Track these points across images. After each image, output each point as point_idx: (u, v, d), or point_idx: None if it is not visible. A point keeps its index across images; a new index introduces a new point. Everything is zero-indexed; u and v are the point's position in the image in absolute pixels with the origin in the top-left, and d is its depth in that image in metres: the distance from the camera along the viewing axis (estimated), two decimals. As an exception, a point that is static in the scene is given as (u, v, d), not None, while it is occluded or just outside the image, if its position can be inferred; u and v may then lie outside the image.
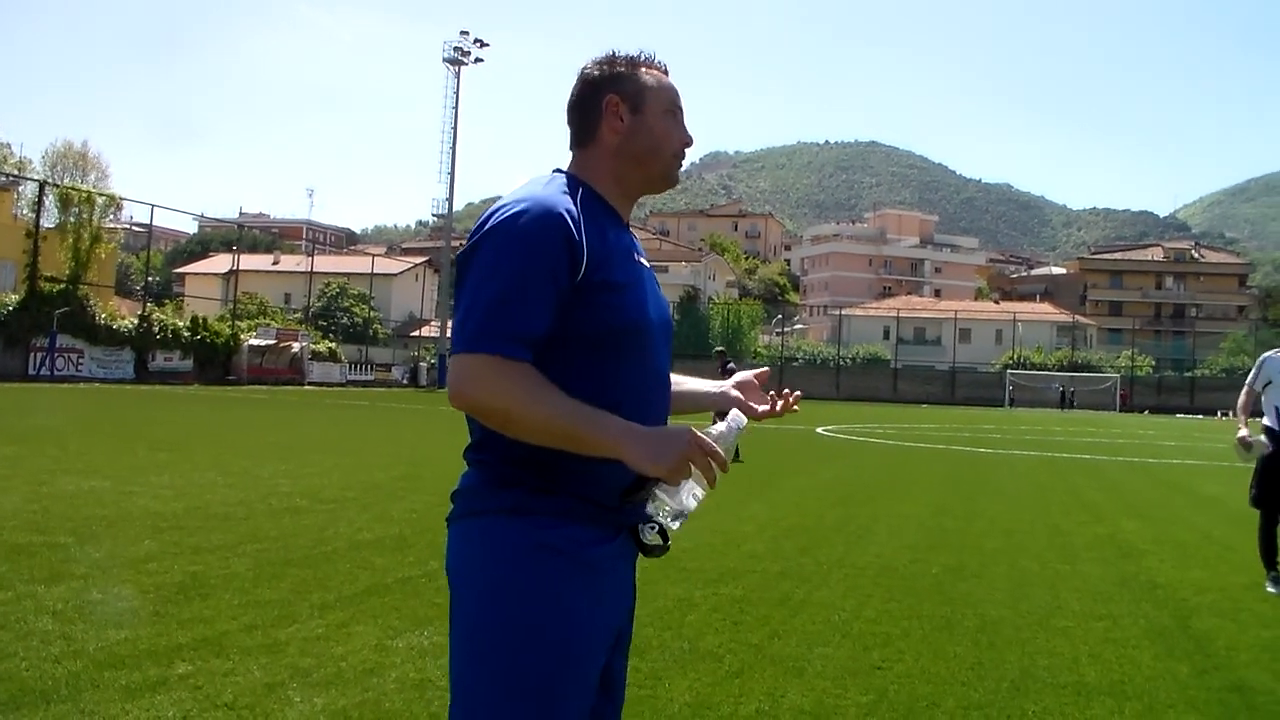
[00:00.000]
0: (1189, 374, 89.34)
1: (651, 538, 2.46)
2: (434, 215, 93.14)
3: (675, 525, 2.42)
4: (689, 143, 2.69)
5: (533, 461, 2.40)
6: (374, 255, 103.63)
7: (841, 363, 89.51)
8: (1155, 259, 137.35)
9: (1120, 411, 76.45)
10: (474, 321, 2.32)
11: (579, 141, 2.64)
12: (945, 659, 6.26)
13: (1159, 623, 7.50)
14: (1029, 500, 15.30)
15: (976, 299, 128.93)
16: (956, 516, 12.88)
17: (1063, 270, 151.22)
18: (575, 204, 2.45)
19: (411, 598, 7.17)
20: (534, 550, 2.37)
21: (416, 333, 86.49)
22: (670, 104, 2.65)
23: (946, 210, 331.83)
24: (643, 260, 2.67)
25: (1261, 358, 7.69)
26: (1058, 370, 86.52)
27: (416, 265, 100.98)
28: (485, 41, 75.11)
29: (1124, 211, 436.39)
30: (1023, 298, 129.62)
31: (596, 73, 2.63)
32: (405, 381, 71.97)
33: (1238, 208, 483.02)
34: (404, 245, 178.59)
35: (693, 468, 2.29)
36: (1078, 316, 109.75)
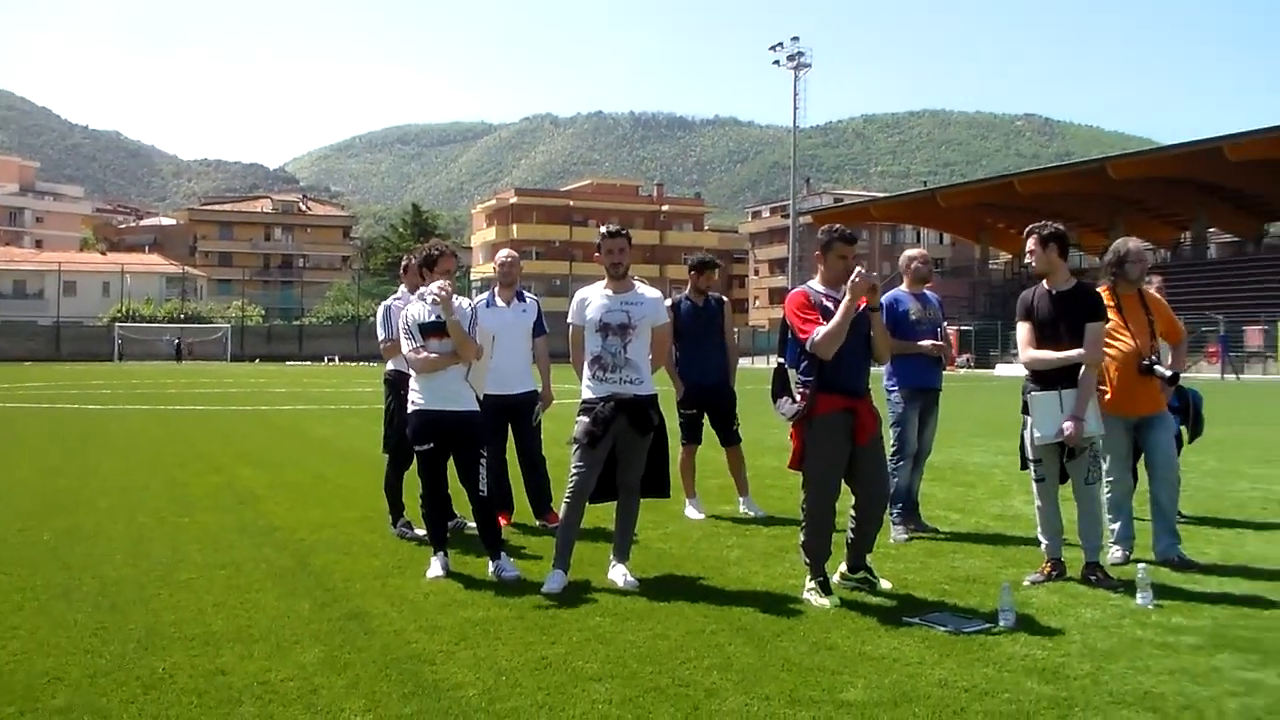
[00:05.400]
0: (298, 322, 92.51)
1: None
2: None
3: None
4: None
5: None
6: None
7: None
8: (265, 211, 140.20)
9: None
10: None
11: None
12: (66, 628, 5.91)
13: (280, 564, 7.67)
14: (144, 455, 14.96)
15: (82, 250, 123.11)
16: (69, 477, 12.27)
17: (173, 221, 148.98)
18: None
19: None
20: None
21: None
22: None
23: (50, 157, 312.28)
24: None
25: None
26: (169, 322, 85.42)
27: None
28: None
29: (235, 164, 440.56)
30: (131, 249, 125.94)
31: None
32: None
33: (344, 163, 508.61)
34: None
35: None
36: (188, 268, 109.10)
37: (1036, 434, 7.13)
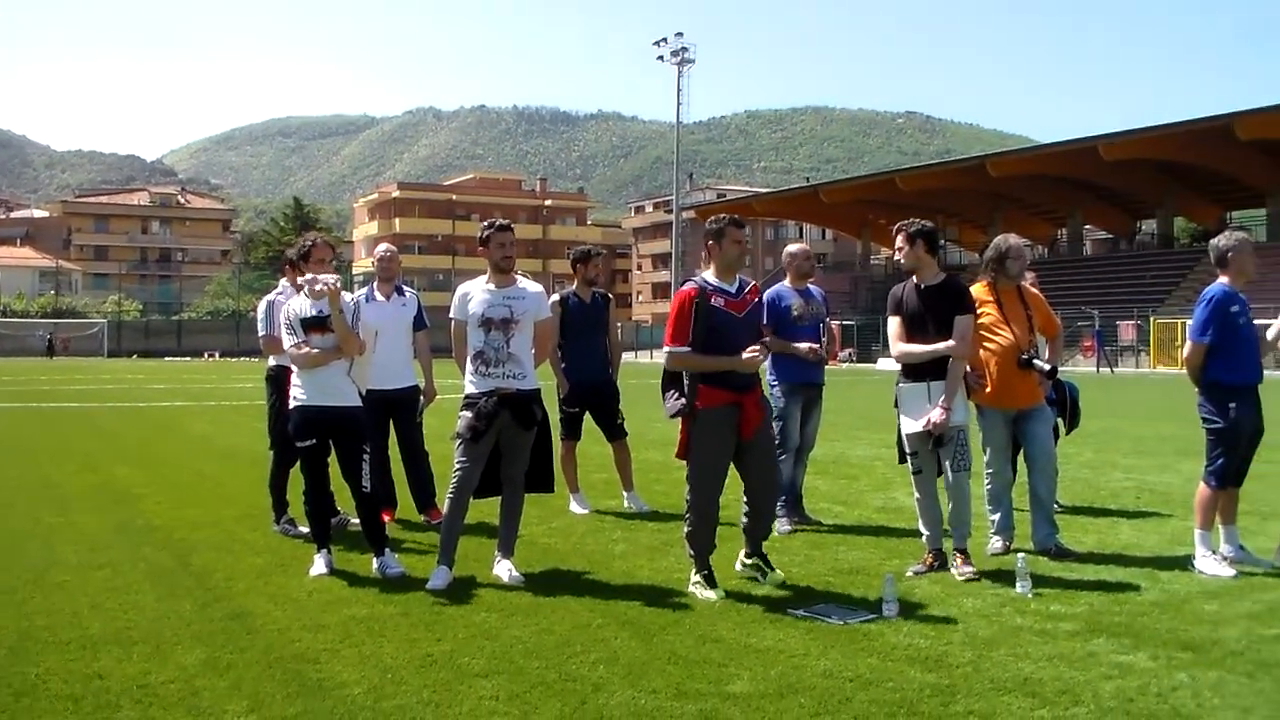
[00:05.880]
0: (176, 317, 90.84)
1: None
2: None
3: None
4: None
5: None
6: None
7: None
8: (142, 203, 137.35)
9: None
10: None
11: None
12: (-69, 632, 5.74)
13: (160, 564, 7.54)
14: (16, 453, 14.63)
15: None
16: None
17: (45, 213, 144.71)
18: None
19: None
20: None
21: None
22: None
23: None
24: None
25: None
26: (42, 317, 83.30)
27: None
28: None
29: (111, 155, 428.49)
30: (2, 242, 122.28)
31: None
32: None
33: (223, 155, 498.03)
34: None
35: None
36: (62, 261, 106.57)
37: (905, 425, 7.27)
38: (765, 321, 7.71)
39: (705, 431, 6.71)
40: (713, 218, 6.99)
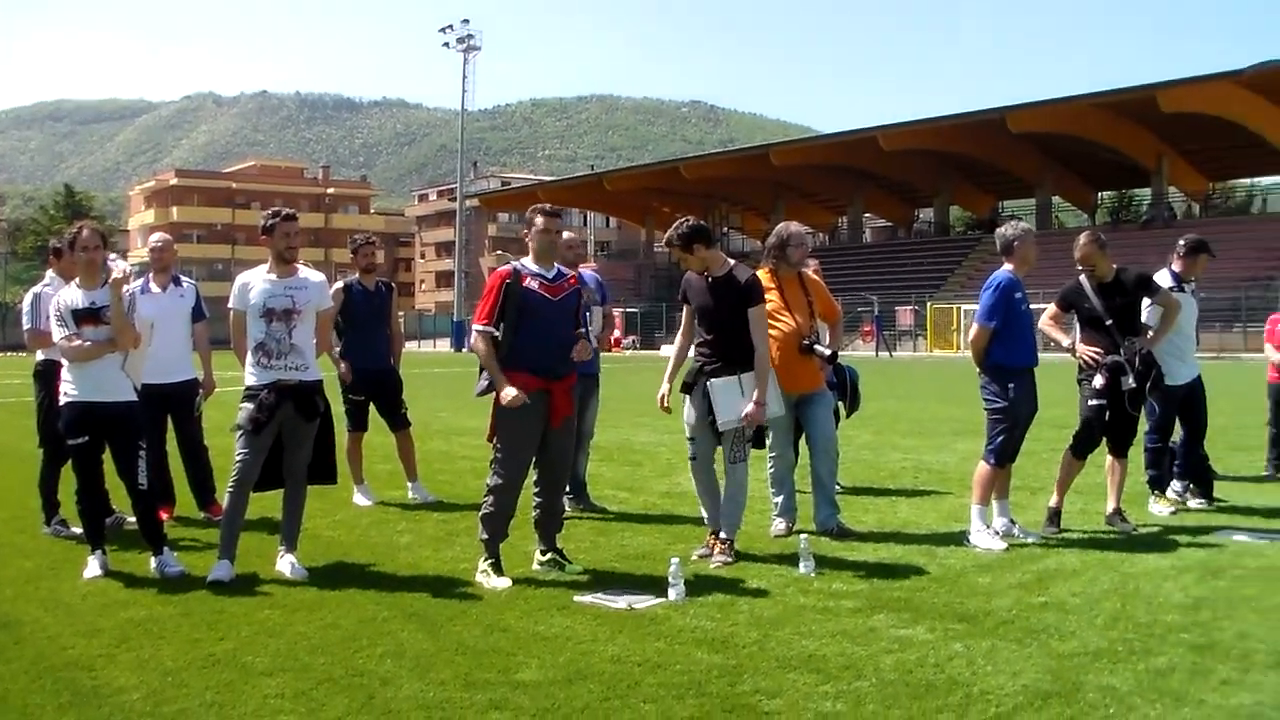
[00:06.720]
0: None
1: None
2: None
3: None
4: None
5: None
6: None
7: None
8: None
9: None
10: None
11: None
12: None
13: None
14: None
15: None
16: None
17: None
18: None
19: None
20: None
21: None
22: None
23: None
24: None
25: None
26: None
27: None
28: None
29: None
30: None
31: None
32: None
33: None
34: None
35: None
36: None
37: (720, 418, 7.25)
38: None
39: (509, 415, 6.72)
40: (532, 208, 7.11)
